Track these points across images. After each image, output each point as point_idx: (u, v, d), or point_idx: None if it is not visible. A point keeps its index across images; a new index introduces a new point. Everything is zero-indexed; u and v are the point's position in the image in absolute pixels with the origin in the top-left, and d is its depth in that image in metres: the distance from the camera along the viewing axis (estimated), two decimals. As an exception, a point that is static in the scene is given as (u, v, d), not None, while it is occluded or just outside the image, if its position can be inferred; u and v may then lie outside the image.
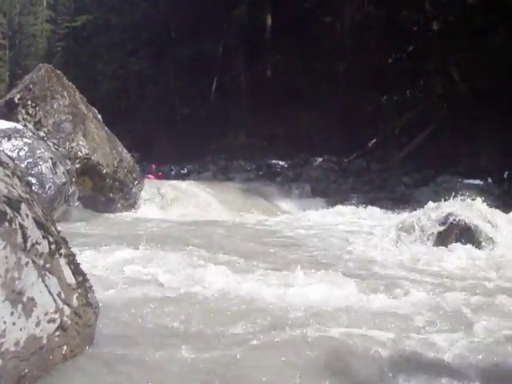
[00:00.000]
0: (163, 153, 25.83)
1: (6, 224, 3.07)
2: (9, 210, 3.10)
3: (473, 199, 9.09)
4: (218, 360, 3.68)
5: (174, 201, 15.75)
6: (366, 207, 15.46)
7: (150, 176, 22.06)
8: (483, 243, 8.04)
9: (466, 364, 3.70)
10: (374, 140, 22.66)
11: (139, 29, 33.39)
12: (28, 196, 3.41)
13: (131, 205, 14.91)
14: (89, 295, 3.59)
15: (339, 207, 16.28)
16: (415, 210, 12.84)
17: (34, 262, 3.15)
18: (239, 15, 31.44)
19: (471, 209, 8.81)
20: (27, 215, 3.21)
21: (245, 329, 4.37)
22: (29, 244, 3.16)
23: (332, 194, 18.16)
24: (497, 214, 8.88)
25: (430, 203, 9.48)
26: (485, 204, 9.08)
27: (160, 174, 24.29)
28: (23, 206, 3.22)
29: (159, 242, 8.78)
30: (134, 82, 33.37)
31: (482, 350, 3.88)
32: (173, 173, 25.05)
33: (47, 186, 10.87)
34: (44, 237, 3.31)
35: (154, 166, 24.29)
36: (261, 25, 30.42)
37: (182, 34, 32.04)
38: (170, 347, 3.89)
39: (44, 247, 3.29)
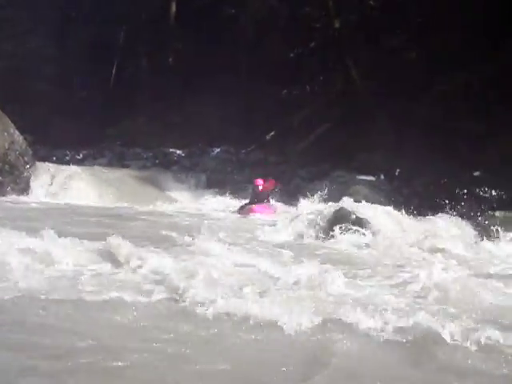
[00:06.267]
0: (58, 136, 24.98)
1: None
2: None
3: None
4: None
5: (67, 186, 15.45)
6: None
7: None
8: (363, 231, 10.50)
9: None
10: (273, 133, 22.82)
11: (39, 6, 32.20)
12: None
13: (22, 189, 14.51)
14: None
15: (235, 199, 16.35)
16: (309, 202, 13.42)
17: None
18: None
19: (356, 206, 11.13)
20: None
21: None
22: None
23: (228, 185, 18.18)
24: (378, 210, 11.23)
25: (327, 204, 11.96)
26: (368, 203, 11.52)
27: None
28: None
29: (41, 228, 8.51)
30: (31, 60, 32.06)
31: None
32: (67, 158, 24.32)
33: None
34: None
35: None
36: (165, 11, 29.97)
37: (84, 14, 31.22)
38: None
39: None
